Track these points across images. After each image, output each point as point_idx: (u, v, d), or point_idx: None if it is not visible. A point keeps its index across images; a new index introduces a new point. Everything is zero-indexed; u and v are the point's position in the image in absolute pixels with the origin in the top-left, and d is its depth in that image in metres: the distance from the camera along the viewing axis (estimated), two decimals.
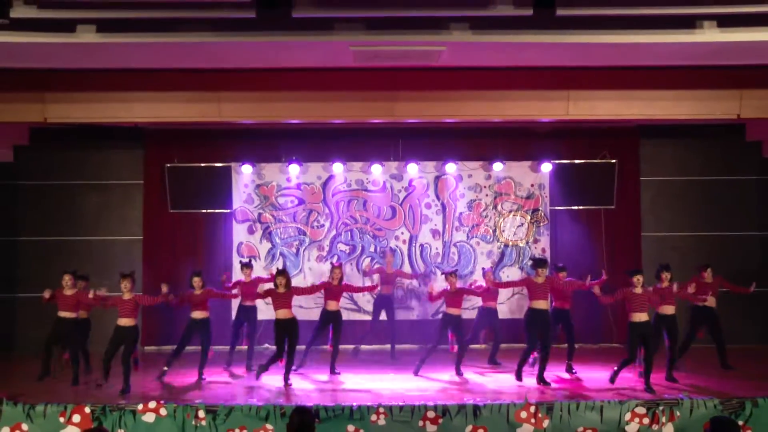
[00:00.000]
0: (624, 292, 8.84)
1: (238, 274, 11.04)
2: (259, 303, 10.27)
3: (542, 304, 9.21)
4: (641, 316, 8.77)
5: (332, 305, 9.84)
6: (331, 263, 10.16)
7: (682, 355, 9.69)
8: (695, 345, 10.08)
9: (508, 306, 11.82)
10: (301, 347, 9.61)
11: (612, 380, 8.94)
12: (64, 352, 9.61)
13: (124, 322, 8.81)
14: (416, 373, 9.62)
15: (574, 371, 9.74)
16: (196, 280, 9.51)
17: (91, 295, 9.00)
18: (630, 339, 8.83)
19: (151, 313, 11.26)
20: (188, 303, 9.48)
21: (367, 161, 12.26)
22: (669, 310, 9.29)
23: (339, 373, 9.67)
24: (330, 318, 9.82)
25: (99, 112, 9.90)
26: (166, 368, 9.44)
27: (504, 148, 12.24)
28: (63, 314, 9.27)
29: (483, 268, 11.31)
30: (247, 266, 10.34)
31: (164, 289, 9.09)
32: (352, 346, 11.16)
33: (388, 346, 11.13)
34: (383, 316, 11.20)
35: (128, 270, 9.25)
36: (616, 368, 9.02)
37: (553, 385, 9.06)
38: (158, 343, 11.84)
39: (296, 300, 9.45)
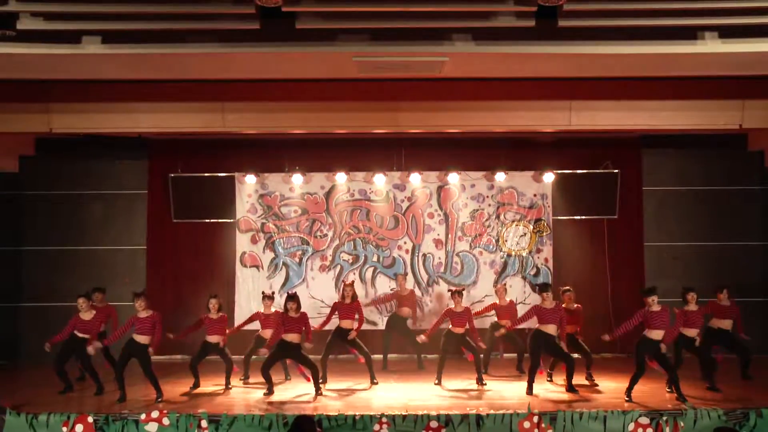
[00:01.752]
0: (642, 314, 8.66)
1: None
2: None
3: (551, 329, 9.08)
4: (657, 334, 8.61)
5: (345, 323, 9.78)
6: (343, 282, 10.08)
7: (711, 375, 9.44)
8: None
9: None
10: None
11: (628, 396, 8.68)
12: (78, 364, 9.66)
13: (140, 339, 8.75)
14: (438, 383, 9.63)
15: (593, 380, 9.76)
16: (213, 303, 9.50)
17: (91, 351, 8.88)
18: (638, 353, 8.73)
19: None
20: (204, 327, 9.49)
21: (370, 171, 12.28)
22: (691, 332, 9.17)
23: (377, 383, 9.65)
24: (343, 335, 9.76)
25: (104, 122, 9.99)
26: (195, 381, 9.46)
27: (506, 158, 12.24)
28: (78, 334, 9.28)
29: (495, 285, 11.14)
30: (269, 298, 10.17)
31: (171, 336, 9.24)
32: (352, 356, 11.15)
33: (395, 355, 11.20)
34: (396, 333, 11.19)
35: (140, 289, 9.29)
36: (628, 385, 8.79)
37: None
38: (166, 352, 11.75)
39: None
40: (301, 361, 9.07)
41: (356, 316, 9.75)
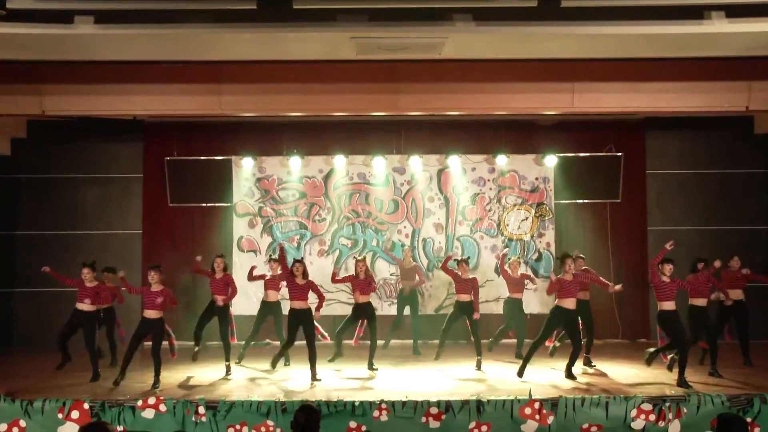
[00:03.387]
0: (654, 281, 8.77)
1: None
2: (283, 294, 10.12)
3: (569, 303, 9.03)
4: (669, 305, 8.65)
5: (362, 298, 9.78)
6: (355, 257, 10.07)
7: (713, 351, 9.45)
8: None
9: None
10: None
11: (649, 362, 8.87)
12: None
13: (151, 314, 8.71)
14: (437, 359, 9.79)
15: (593, 365, 9.69)
16: (219, 262, 9.52)
17: (121, 274, 9.10)
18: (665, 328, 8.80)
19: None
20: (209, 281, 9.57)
21: (369, 154, 12.17)
22: (701, 302, 9.22)
23: (377, 369, 9.59)
24: (361, 310, 9.78)
25: (98, 104, 9.84)
26: (197, 348, 9.52)
27: (508, 140, 12.16)
28: (81, 306, 9.19)
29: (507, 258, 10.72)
30: (275, 261, 10.19)
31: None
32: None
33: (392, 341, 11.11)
34: (407, 311, 11.14)
35: (153, 263, 9.27)
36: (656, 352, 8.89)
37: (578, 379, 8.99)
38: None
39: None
40: (308, 332, 9.05)
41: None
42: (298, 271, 9.04)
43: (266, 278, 10.20)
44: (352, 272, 11.80)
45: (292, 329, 9.09)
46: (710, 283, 9.27)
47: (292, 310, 9.10)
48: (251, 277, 10.20)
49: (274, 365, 9.29)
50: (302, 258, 9.53)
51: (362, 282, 9.75)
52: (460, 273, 9.80)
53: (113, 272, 9.95)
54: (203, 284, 11.01)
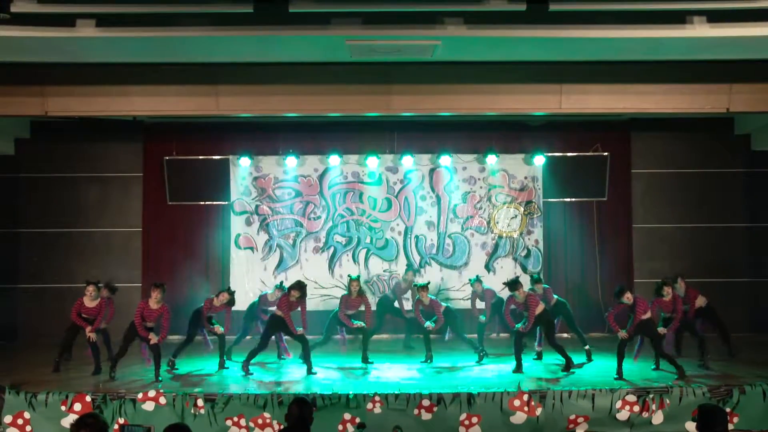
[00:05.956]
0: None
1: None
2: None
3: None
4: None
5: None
6: (349, 276, 10.24)
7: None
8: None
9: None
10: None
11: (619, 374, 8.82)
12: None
13: (148, 324, 8.95)
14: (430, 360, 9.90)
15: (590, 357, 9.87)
16: (223, 297, 9.70)
17: (93, 338, 9.24)
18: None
19: None
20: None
21: (363, 153, 12.34)
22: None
23: (372, 362, 9.75)
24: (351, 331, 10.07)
25: (99, 105, 9.95)
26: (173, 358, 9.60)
27: (498, 140, 12.33)
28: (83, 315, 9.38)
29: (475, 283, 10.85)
30: (279, 288, 10.25)
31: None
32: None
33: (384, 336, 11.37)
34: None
35: (158, 282, 9.40)
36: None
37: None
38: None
39: None
40: (289, 332, 9.31)
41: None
42: (294, 296, 9.23)
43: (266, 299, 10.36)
44: (346, 268, 12.13)
45: (270, 334, 9.38)
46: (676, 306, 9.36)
47: (275, 316, 9.32)
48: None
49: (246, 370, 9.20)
50: (302, 284, 9.60)
51: (354, 302, 9.94)
52: (422, 299, 9.90)
53: (113, 292, 9.98)
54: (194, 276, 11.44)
